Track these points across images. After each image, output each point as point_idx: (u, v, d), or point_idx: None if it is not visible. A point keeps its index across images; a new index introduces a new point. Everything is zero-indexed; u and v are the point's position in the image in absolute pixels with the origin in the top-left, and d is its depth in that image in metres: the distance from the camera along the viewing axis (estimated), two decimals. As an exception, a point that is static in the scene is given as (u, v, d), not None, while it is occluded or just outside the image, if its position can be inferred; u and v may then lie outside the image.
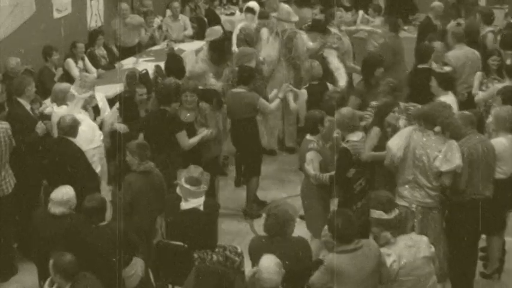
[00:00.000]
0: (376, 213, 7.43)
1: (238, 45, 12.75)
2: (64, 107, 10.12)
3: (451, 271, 8.60)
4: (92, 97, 10.51)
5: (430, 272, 7.43)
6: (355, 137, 9.06)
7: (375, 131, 9.16)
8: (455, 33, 12.67)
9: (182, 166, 9.26)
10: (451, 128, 8.49)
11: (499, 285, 9.37)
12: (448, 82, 10.47)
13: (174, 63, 11.71)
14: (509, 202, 9.23)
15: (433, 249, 7.51)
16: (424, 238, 7.56)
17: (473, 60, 12.25)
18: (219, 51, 12.11)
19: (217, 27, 13.36)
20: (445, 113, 8.55)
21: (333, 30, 13.04)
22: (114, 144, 10.05)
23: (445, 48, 12.52)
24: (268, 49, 12.80)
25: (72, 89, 10.23)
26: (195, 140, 10.00)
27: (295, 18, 13.38)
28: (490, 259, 9.49)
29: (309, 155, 9.06)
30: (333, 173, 8.92)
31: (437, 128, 8.39)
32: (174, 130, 9.87)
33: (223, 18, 16.71)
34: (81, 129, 9.66)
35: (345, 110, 9.27)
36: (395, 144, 8.52)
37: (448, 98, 9.98)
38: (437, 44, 12.37)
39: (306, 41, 12.91)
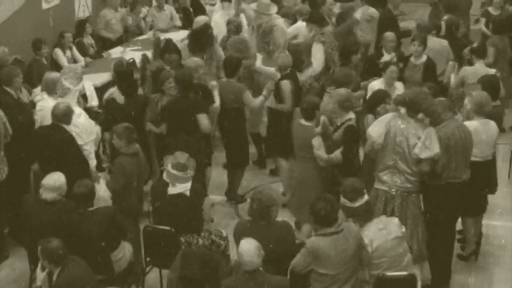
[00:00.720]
0: (342, 200, 7.56)
1: (228, 36, 12.73)
2: (50, 100, 10.10)
3: (429, 252, 8.64)
4: (80, 90, 10.47)
5: (404, 251, 7.53)
6: (351, 115, 9.25)
7: (371, 118, 9.20)
8: (420, 26, 12.86)
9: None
10: (435, 115, 8.55)
11: (475, 267, 9.43)
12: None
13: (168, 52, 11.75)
14: (485, 185, 9.28)
15: (403, 229, 7.62)
16: (395, 219, 7.66)
17: (439, 49, 12.40)
18: (197, 40, 12.12)
19: (203, 17, 13.34)
20: (428, 100, 8.60)
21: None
22: (112, 114, 10.20)
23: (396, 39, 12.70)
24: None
25: (66, 82, 10.17)
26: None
27: (274, 10, 13.31)
28: (466, 241, 9.56)
29: (317, 140, 9.11)
30: (338, 151, 9.03)
31: (420, 115, 8.44)
32: (195, 111, 9.86)
33: (207, 8, 16.70)
34: (81, 122, 9.65)
35: (343, 91, 9.45)
36: (375, 131, 8.55)
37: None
38: (389, 34, 12.44)
39: (285, 32, 12.90)
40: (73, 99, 10.00)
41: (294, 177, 9.61)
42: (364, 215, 7.50)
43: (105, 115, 10.47)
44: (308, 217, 8.60)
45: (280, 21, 13.11)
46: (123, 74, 10.67)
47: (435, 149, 8.28)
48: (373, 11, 14.95)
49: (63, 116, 9.30)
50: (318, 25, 12.61)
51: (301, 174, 9.43)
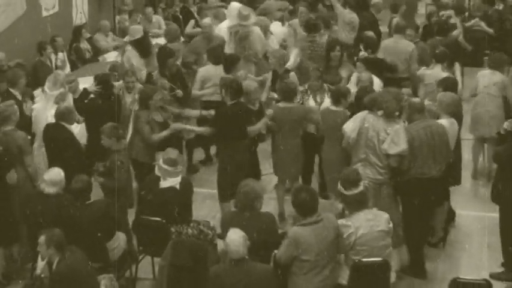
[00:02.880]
0: (338, 186, 7.62)
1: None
2: (38, 103, 10.06)
3: (406, 239, 8.73)
4: (64, 94, 10.29)
5: (386, 244, 7.48)
6: None
7: None
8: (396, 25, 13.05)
9: None
10: (387, 111, 8.54)
11: (443, 254, 9.40)
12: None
13: (164, 56, 11.68)
14: (448, 177, 9.24)
15: (391, 225, 7.55)
16: (385, 215, 7.58)
17: (396, 48, 12.46)
18: (143, 47, 12.18)
19: (139, 27, 13.36)
20: (387, 97, 8.64)
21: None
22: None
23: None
24: (226, 48, 12.89)
25: (45, 86, 10.11)
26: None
27: (252, 20, 13.16)
28: (435, 229, 9.53)
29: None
30: None
31: (379, 112, 8.47)
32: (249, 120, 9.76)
33: (196, 15, 16.59)
34: None
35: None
36: (350, 127, 8.61)
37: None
38: None
39: (262, 39, 12.86)
40: (49, 102, 9.98)
41: (324, 159, 9.79)
42: (354, 204, 7.50)
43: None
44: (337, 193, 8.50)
45: (257, 30, 13.04)
46: (102, 79, 10.60)
47: (402, 145, 8.32)
48: (353, 16, 14.81)
49: (62, 115, 9.35)
50: (313, 32, 12.54)
51: (330, 155, 9.53)
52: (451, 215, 9.87)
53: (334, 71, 11.33)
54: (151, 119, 9.81)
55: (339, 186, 7.61)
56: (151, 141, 9.78)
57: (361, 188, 7.55)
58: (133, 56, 12.12)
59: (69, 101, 10.33)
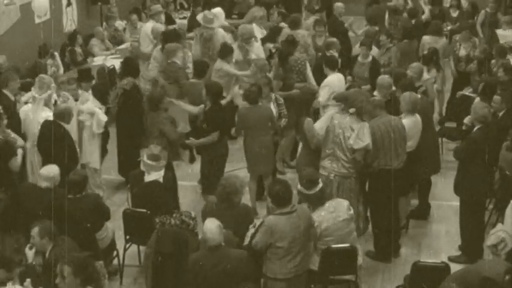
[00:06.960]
0: (298, 187, 7.54)
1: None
2: (29, 105, 9.87)
3: (373, 226, 8.78)
4: (51, 95, 9.97)
5: (350, 230, 7.54)
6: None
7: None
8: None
9: None
10: (361, 110, 8.48)
11: (406, 238, 9.41)
12: (333, 64, 10.87)
13: (131, 64, 11.40)
14: (416, 170, 9.22)
15: (352, 211, 7.59)
16: (345, 203, 7.61)
17: None
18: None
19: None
20: (360, 98, 8.57)
21: None
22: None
23: None
24: (193, 49, 12.81)
25: (33, 91, 9.89)
26: None
27: (216, 24, 12.94)
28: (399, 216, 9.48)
29: None
30: None
31: (351, 110, 8.43)
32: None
33: (178, 21, 16.47)
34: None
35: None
36: (318, 126, 8.64)
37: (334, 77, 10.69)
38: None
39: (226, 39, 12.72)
40: (39, 106, 9.69)
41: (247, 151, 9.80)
42: (316, 201, 7.48)
43: None
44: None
45: (221, 31, 12.90)
46: None
47: (366, 140, 8.31)
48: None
49: (59, 114, 9.25)
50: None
51: (253, 147, 9.61)
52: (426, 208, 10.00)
53: (289, 75, 11.08)
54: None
55: (299, 187, 7.50)
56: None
57: (320, 185, 7.52)
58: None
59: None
